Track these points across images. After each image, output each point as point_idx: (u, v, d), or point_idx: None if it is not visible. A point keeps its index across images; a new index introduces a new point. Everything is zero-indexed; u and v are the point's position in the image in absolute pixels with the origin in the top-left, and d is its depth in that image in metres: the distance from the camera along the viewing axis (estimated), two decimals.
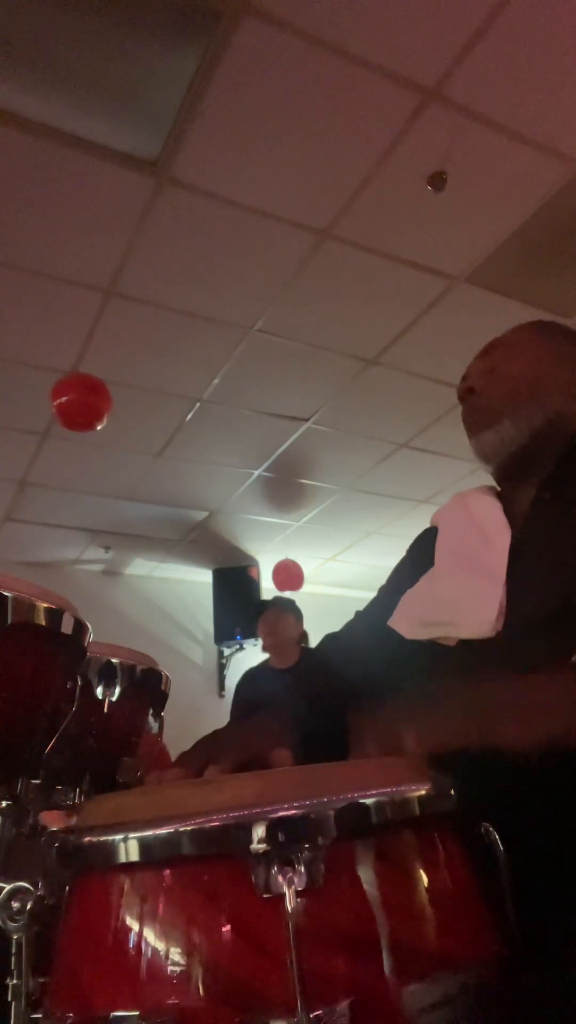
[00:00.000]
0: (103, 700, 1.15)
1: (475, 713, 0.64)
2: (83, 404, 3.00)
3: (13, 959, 0.56)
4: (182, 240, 2.65)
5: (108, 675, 1.16)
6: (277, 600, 3.74)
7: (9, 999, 0.55)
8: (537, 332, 1.11)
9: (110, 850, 0.51)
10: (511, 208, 2.57)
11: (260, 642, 3.58)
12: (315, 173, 2.39)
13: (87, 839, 0.52)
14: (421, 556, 1.09)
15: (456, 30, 1.96)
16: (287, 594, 5.46)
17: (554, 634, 0.81)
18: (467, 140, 2.28)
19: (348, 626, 1.15)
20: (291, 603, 3.62)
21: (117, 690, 1.17)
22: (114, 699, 1.16)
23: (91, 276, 2.79)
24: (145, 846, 0.50)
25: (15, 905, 0.57)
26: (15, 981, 0.55)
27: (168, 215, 2.53)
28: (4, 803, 0.83)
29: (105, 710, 1.15)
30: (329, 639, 1.14)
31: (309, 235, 2.66)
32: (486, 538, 0.99)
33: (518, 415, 1.01)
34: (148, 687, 1.24)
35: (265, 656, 3.56)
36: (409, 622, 0.98)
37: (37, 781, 0.88)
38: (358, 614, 1.16)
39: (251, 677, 3.60)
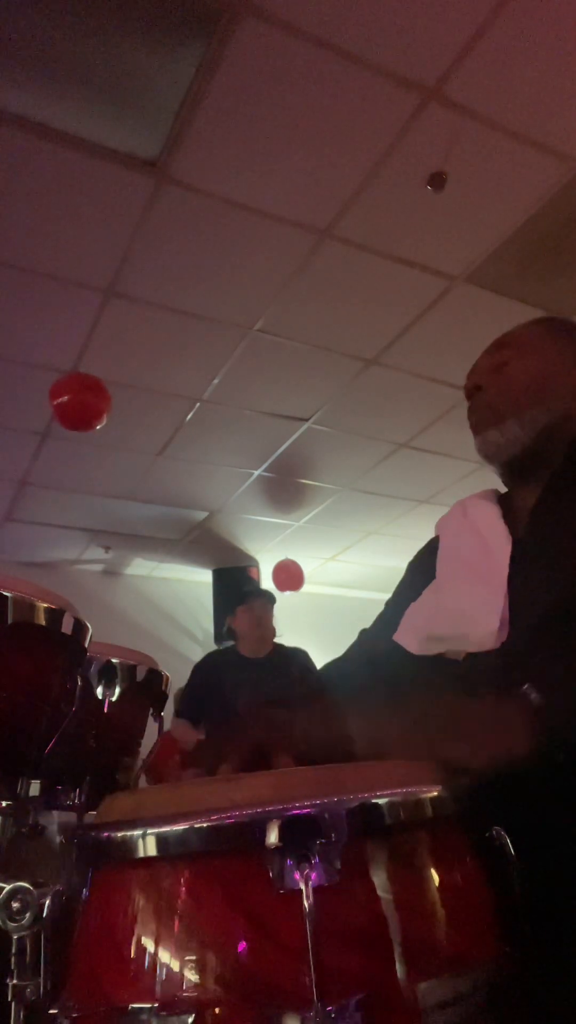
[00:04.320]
0: (103, 700, 1.15)
1: (421, 729, 0.65)
2: (82, 404, 3.00)
3: (13, 959, 0.56)
4: (182, 240, 2.65)
5: (108, 675, 1.16)
6: (265, 592, 3.69)
7: (9, 999, 0.55)
8: (547, 331, 1.09)
9: (129, 845, 0.51)
10: (511, 208, 2.57)
11: (239, 629, 3.48)
12: (315, 173, 2.39)
13: (106, 834, 0.53)
14: (425, 567, 1.08)
15: (456, 30, 1.96)
16: (287, 594, 5.48)
17: (556, 640, 0.81)
18: (467, 140, 2.28)
19: (352, 648, 1.14)
20: (273, 596, 3.59)
21: (117, 690, 1.17)
22: (114, 699, 1.16)
23: (91, 276, 2.79)
24: (163, 841, 0.51)
25: (15, 905, 0.57)
26: (15, 981, 0.56)
27: (168, 215, 2.53)
28: (4, 803, 0.83)
29: (105, 710, 1.15)
30: (333, 666, 1.12)
31: (309, 235, 2.66)
32: (486, 547, 0.97)
33: (524, 416, 1.00)
34: (148, 687, 1.24)
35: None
36: (416, 637, 0.97)
37: (37, 781, 0.88)
38: (362, 633, 1.15)
39: (216, 662, 3.47)
